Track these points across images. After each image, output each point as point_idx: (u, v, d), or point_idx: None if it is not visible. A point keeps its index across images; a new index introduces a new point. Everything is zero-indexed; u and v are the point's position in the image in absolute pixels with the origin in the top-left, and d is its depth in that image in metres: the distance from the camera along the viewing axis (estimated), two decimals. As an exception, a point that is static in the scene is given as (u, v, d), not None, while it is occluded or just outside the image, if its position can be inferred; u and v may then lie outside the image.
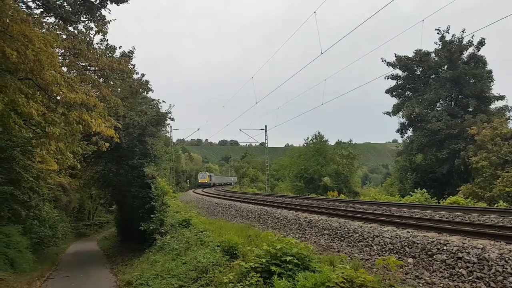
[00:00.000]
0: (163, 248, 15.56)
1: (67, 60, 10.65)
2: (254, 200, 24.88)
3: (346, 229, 11.03)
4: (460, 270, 7.08)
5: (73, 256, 24.80)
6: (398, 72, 40.33)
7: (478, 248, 7.24)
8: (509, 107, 35.94)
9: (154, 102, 24.83)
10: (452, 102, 38.49)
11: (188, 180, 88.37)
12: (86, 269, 18.74)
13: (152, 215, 18.35)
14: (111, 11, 12.92)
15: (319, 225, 12.43)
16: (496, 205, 20.43)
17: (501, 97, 36.34)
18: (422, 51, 38.34)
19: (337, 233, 11.21)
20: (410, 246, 8.53)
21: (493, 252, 6.96)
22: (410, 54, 39.29)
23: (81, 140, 13.70)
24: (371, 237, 9.82)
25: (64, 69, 10.58)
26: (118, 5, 12.90)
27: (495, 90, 37.10)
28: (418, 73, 40.35)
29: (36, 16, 9.74)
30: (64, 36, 10.28)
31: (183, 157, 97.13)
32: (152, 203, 18.93)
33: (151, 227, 18.00)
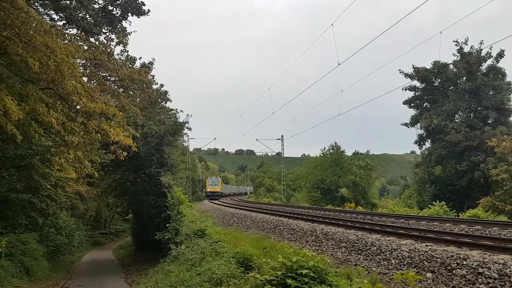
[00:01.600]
0: (178, 258, 15.54)
1: (87, 71, 10.91)
2: (270, 211, 24.75)
3: (363, 242, 10.83)
4: (480, 286, 6.85)
5: (88, 265, 25.00)
6: (416, 83, 40.09)
7: (499, 264, 7.01)
8: (531, 119, 35.24)
9: (172, 112, 25.21)
10: (471, 114, 37.87)
11: (204, 189, 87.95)
12: (101, 278, 18.84)
13: (167, 225, 18.41)
14: (131, 23, 13.25)
15: (336, 237, 12.25)
16: (519, 219, 19.80)
17: (522, 109, 35.73)
18: (441, 62, 37.95)
19: (354, 246, 11.01)
20: (429, 260, 8.31)
21: (517, 268, 6.72)
22: (428, 66, 39.00)
23: (99, 149, 13.92)
24: (389, 251, 9.61)
25: (85, 79, 10.84)
26: (138, 17, 13.21)
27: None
28: (436, 84, 39.96)
29: (59, 28, 10.05)
30: (86, 47, 10.55)
31: (200, 166, 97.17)
32: (168, 212, 19.01)
33: (166, 237, 18.03)
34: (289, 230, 15.71)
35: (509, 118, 36.22)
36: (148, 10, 14.11)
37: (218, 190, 65.07)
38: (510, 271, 6.68)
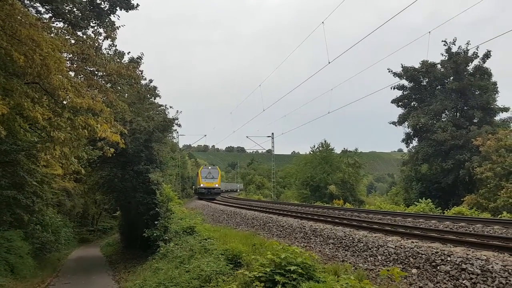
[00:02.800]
0: (167, 255, 15.49)
1: (74, 65, 10.74)
2: (260, 208, 24.79)
3: (351, 238, 10.93)
4: (463, 282, 6.99)
5: (75, 262, 24.74)
6: (405, 82, 40.53)
7: (481, 260, 7.15)
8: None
9: (162, 108, 25.01)
10: (458, 113, 38.49)
11: (194, 185, 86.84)
12: (88, 276, 18.67)
13: (156, 222, 18.32)
14: (120, 17, 13.08)
15: (324, 234, 12.34)
16: (500, 216, 20.25)
17: (506, 109, 36.63)
18: (429, 62, 38.41)
19: (342, 242, 11.11)
20: (414, 257, 8.43)
21: (497, 264, 6.87)
22: (417, 65, 39.44)
23: (86, 145, 13.76)
24: (375, 247, 9.72)
25: (72, 73, 10.68)
26: (127, 12, 13.05)
27: (500, 101, 37.36)
28: (424, 84, 40.48)
29: (45, 21, 9.87)
30: (73, 41, 10.38)
31: (190, 163, 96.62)
32: (156, 209, 18.91)
33: (155, 234, 17.95)
34: (278, 227, 15.77)
35: (494, 118, 36.87)
36: (137, 4, 13.96)
37: (216, 185, 45.62)
38: (492, 267, 6.82)
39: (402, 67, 39.82)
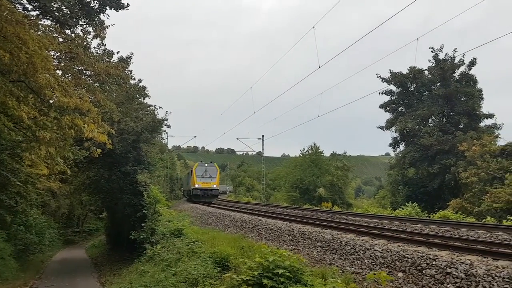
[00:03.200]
0: (153, 258, 15.33)
1: (62, 64, 10.58)
2: (249, 210, 24.76)
3: (338, 241, 10.98)
4: (448, 286, 7.06)
5: (59, 264, 24.31)
6: (393, 88, 41.05)
7: (466, 264, 7.24)
8: (498, 125, 36.97)
9: (151, 108, 24.82)
10: (444, 119, 39.12)
11: (182, 188, 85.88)
12: (72, 278, 18.36)
13: (143, 224, 18.12)
14: (110, 17, 12.96)
15: (312, 237, 12.37)
16: (484, 220, 20.56)
17: (491, 115, 37.34)
18: (416, 68, 38.97)
19: (329, 245, 11.15)
20: (400, 260, 8.50)
21: (481, 268, 6.96)
22: (405, 71, 39.98)
23: (72, 145, 13.54)
24: (362, 250, 9.78)
25: (59, 72, 10.52)
26: (117, 11, 12.93)
27: (485, 108, 38.07)
28: (412, 89, 41.08)
29: (32, 18, 9.70)
30: (61, 40, 10.23)
31: (179, 164, 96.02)
32: (144, 211, 18.71)
33: (142, 236, 17.74)
34: (267, 230, 15.75)
35: (479, 124, 37.53)
36: (127, 4, 13.84)
37: (214, 186, 37.82)
38: (476, 271, 6.91)
39: (390, 72, 40.36)
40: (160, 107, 25.39)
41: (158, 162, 33.81)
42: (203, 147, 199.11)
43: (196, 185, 37.18)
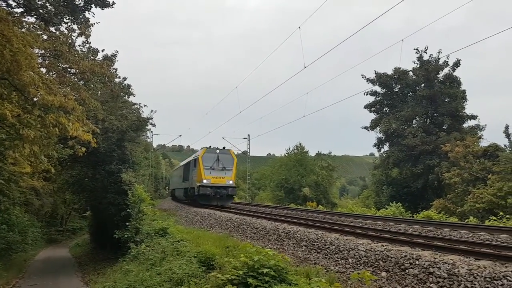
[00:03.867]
0: (138, 257, 15.23)
1: (46, 61, 10.42)
2: (234, 210, 24.74)
3: (323, 241, 11.10)
4: (431, 285, 7.22)
5: (42, 263, 23.95)
6: (377, 88, 41.47)
7: (448, 264, 7.39)
8: (481, 126, 37.51)
9: (135, 106, 24.60)
10: (428, 120, 39.69)
11: (167, 187, 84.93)
12: (55, 277, 18.12)
13: (127, 223, 17.98)
14: (95, 15, 12.80)
15: (297, 236, 12.47)
16: (466, 220, 20.99)
17: (474, 117, 37.95)
18: (401, 69, 39.50)
19: (314, 244, 11.26)
20: (384, 260, 8.64)
21: (463, 268, 7.11)
22: (390, 72, 40.47)
23: (56, 143, 13.35)
24: (346, 250, 9.91)
25: (43, 70, 10.35)
26: (102, 9, 12.77)
27: (468, 109, 38.77)
28: (396, 90, 41.55)
29: (16, 15, 9.52)
30: (45, 37, 10.06)
31: (164, 163, 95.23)
32: (128, 210, 18.56)
33: (126, 235, 17.61)
34: (252, 229, 15.80)
35: (462, 125, 38.22)
36: (113, 2, 13.66)
37: (230, 182, 27.42)
38: (458, 271, 7.08)
39: (375, 73, 40.79)
40: (145, 106, 25.19)
41: (143, 161, 33.48)
42: (188, 146, 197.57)
43: (205, 181, 26.35)
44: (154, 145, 71.87)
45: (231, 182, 27.21)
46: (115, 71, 16.84)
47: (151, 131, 52.92)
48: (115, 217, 19.48)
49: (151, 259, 13.88)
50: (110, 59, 18.02)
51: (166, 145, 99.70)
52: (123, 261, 15.94)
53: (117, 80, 20.58)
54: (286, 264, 8.69)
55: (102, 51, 17.47)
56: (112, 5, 13.06)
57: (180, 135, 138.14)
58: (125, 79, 23.95)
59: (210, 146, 28.54)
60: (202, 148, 28.92)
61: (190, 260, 11.68)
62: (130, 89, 23.67)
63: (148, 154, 59.69)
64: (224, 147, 28.89)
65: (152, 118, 24.38)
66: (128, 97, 24.14)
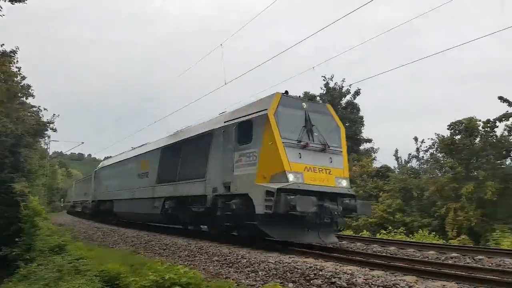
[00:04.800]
0: (28, 277, 13.61)
1: None
2: (142, 225, 23.63)
3: (235, 255, 11.25)
4: (333, 295, 7.79)
5: None
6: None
7: (348, 274, 8.05)
8: (375, 149, 42.29)
9: (35, 109, 22.34)
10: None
11: (63, 199, 77.30)
12: None
13: (17, 239, 16.07)
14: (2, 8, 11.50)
15: (210, 251, 12.44)
16: (361, 233, 23.19)
17: (369, 140, 42.60)
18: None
19: (226, 259, 11.34)
20: (291, 272, 9.08)
21: (360, 277, 7.81)
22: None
23: None
24: (257, 263, 10.19)
25: None
26: (13, 4, 11.56)
27: (365, 133, 43.12)
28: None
29: None
30: None
31: (60, 173, 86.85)
32: (19, 224, 16.63)
33: (14, 253, 15.72)
34: (162, 245, 15.29)
35: (360, 147, 42.44)
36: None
37: (344, 184, 12.32)
38: (356, 280, 7.79)
39: (287, 95, 43.17)
40: (45, 109, 22.97)
41: (39, 170, 30.25)
42: (89, 155, 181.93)
43: (291, 177, 10.89)
44: (50, 152, 65.25)
45: (344, 183, 12.77)
46: (19, 70, 15.10)
47: (49, 137, 47.98)
48: (3, 232, 17.28)
49: (44, 279, 12.52)
50: (8, 55, 16.20)
51: (65, 153, 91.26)
52: (9, 282, 14.12)
53: (14, 78, 18.46)
54: (198, 280, 8.63)
55: (2, 45, 15.62)
56: (23, 1, 11.89)
57: (83, 143, 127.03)
58: (24, 78, 21.55)
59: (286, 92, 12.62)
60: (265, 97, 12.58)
61: (91, 280, 10.85)
62: (29, 90, 21.38)
63: (43, 161, 53.99)
64: (311, 99, 15.04)
65: (53, 123, 22.34)
66: (27, 99, 21.82)
